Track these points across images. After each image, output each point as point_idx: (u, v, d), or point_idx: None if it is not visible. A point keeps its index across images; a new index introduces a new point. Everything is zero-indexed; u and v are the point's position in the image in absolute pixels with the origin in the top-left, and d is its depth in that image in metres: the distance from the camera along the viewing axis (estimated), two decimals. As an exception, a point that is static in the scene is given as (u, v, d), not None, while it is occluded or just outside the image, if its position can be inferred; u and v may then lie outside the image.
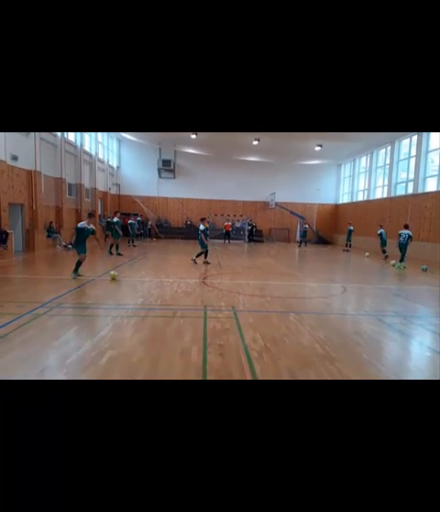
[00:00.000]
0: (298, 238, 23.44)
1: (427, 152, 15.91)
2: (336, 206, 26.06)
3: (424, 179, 16.06)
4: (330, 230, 25.68)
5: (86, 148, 19.04)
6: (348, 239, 18.88)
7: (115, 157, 24.62)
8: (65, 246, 14.18)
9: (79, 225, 7.91)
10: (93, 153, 20.10)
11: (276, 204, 24.76)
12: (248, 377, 3.06)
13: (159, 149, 24.45)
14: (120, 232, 12.87)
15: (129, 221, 16.74)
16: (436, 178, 15.29)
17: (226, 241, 22.67)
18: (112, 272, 7.78)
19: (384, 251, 14.47)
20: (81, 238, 7.75)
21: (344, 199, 25.40)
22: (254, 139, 20.96)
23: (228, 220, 23.63)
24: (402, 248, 11.71)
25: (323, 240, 24.93)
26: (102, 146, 21.80)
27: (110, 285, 7.25)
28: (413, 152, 16.82)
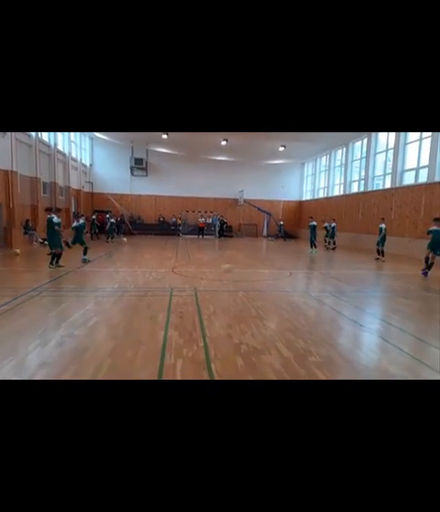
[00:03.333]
0: (265, 233, 24.97)
1: (375, 154, 17.67)
2: (300, 203, 27.77)
3: (373, 178, 17.84)
4: (294, 226, 27.36)
5: (60, 147, 19.59)
6: (327, 236, 17.46)
7: (88, 155, 25.15)
8: (41, 242, 14.89)
9: (55, 220, 8.76)
10: (67, 152, 20.66)
11: (244, 201, 26.13)
12: (198, 329, 4.29)
13: (132, 147, 25.18)
14: (83, 238, 10.51)
15: (111, 220, 17.96)
16: (382, 178, 17.08)
17: (200, 237, 23.86)
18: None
19: (331, 243, 16.31)
20: (55, 232, 8.70)
21: (307, 196, 27.12)
22: (222, 140, 22.13)
23: (202, 217, 24.82)
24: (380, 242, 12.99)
25: (288, 235, 26.57)
26: (75, 145, 22.33)
27: (90, 274, 8.30)
28: (365, 154, 18.57)
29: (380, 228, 12.07)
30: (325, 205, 22.98)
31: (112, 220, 18.50)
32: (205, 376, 3.02)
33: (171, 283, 7.38)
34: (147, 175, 26.16)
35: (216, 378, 2.98)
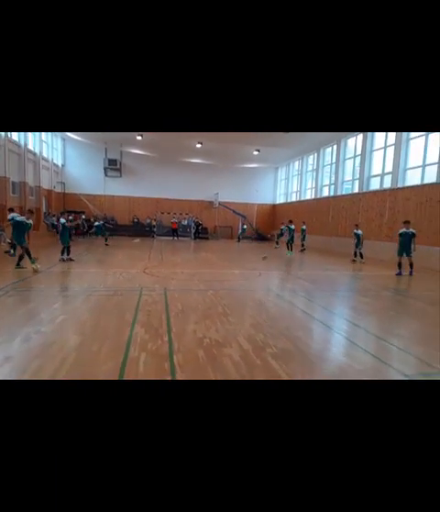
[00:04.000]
0: (239, 235, 25.34)
1: (344, 160, 18.40)
2: (274, 206, 28.37)
3: (342, 183, 18.55)
4: (268, 228, 27.91)
5: (30, 146, 19.19)
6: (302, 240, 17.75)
7: (60, 155, 24.70)
8: (10, 242, 14.52)
9: (18, 219, 8.67)
10: (38, 152, 20.25)
11: (219, 203, 26.42)
12: (164, 326, 4.44)
13: (105, 148, 24.95)
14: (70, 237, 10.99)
15: (96, 223, 18.05)
16: (351, 183, 17.80)
17: (175, 238, 23.90)
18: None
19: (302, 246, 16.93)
20: (20, 231, 8.58)
21: (280, 200, 27.75)
22: (197, 143, 22.35)
23: (175, 218, 24.87)
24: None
25: (262, 237, 27.08)
26: (46, 144, 21.91)
27: (59, 275, 8.25)
28: (335, 159, 19.29)
29: (357, 235, 12.64)
30: (298, 208, 23.62)
31: (97, 223, 18.22)
32: (167, 367, 3.18)
33: (141, 282, 7.47)
34: (121, 176, 25.98)
35: (177, 369, 3.14)
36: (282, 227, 17.91)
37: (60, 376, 2.95)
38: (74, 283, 7.26)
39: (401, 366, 3.45)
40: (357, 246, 12.82)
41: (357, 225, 13.47)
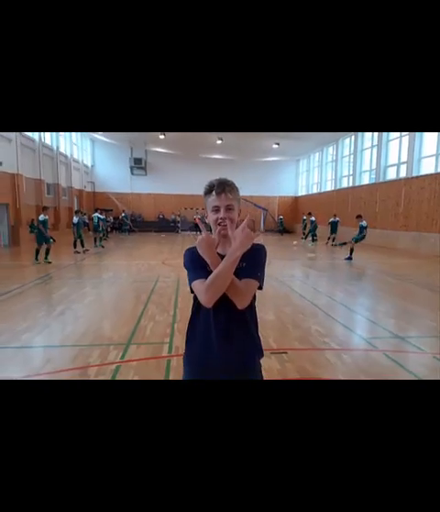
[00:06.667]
0: (262, 228, 25.90)
1: (362, 150, 18.47)
2: (296, 199, 28.60)
3: (360, 173, 18.65)
4: (290, 221, 28.22)
5: (62, 149, 20.65)
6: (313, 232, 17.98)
7: (90, 156, 26.22)
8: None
9: (41, 219, 9.68)
10: (69, 154, 21.72)
11: (241, 197, 26.98)
12: (172, 303, 5.29)
13: (131, 148, 26.17)
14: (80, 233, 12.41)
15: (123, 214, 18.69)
16: (368, 173, 17.89)
17: (198, 233, 24.86)
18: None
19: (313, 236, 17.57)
20: (44, 229, 9.62)
21: (302, 192, 27.94)
22: (217, 139, 23.03)
23: (197, 214, 25.80)
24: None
25: (284, 230, 27.46)
26: (76, 147, 23.40)
27: (89, 266, 9.36)
28: (353, 150, 19.37)
29: (362, 227, 11.52)
30: (318, 199, 23.81)
31: (100, 216, 16.17)
32: (167, 332, 4.02)
33: (160, 272, 8.39)
34: (146, 174, 27.16)
35: (176, 333, 3.97)
36: (303, 217, 18.39)
37: (86, 340, 3.84)
38: (101, 273, 8.30)
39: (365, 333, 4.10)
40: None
41: (360, 216, 12.81)
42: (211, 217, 1.34)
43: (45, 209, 10.10)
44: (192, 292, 1.34)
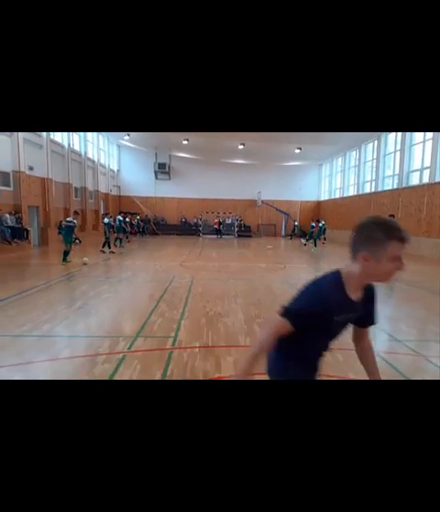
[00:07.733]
0: (283, 232, 25.96)
1: (385, 155, 18.26)
2: (319, 203, 28.45)
3: (383, 179, 18.43)
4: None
5: (89, 155, 21.59)
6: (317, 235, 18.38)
7: (116, 161, 27.19)
8: (74, 240, 16.72)
9: (66, 222, 10.09)
10: (96, 159, 22.66)
11: (262, 202, 27.20)
12: (182, 302, 5.58)
13: (156, 153, 26.94)
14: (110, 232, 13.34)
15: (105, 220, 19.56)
16: (391, 178, 17.66)
17: (219, 236, 25.22)
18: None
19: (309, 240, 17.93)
20: (68, 231, 9.87)
21: (324, 196, 27.78)
22: (239, 144, 23.37)
23: (218, 217, 26.17)
24: None
25: (305, 234, 27.35)
26: (103, 152, 24.36)
27: (110, 266, 9.84)
28: (375, 155, 19.17)
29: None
30: (341, 204, 23.63)
31: (106, 220, 14.55)
32: (174, 327, 4.31)
33: (176, 273, 8.73)
34: (170, 179, 27.84)
35: (182, 328, 4.25)
36: (312, 223, 18.57)
37: (99, 332, 4.18)
38: (120, 273, 8.73)
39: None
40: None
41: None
42: (388, 267, 1.20)
43: (76, 214, 10.39)
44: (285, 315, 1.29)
